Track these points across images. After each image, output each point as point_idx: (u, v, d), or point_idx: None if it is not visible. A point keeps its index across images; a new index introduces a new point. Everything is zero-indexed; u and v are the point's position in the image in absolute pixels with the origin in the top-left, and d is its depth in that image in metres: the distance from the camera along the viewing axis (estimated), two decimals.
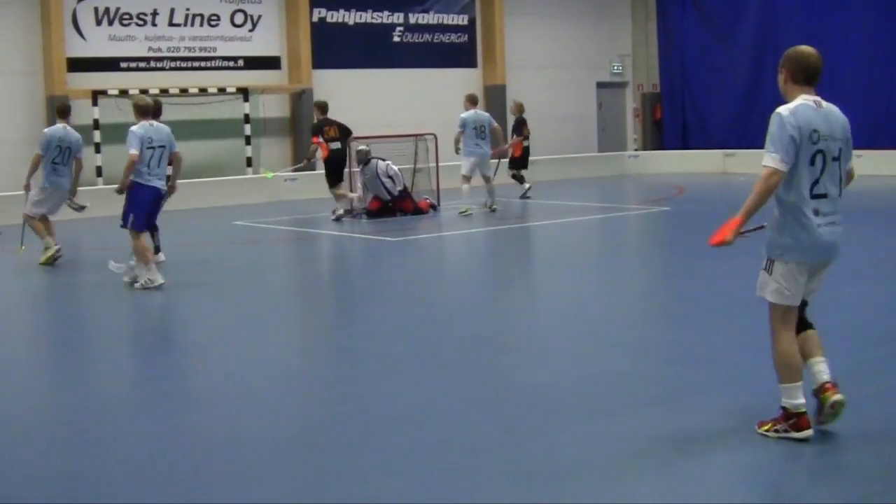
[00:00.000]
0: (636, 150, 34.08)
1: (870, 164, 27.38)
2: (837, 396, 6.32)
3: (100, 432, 7.32)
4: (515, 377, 8.52)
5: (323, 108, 20.99)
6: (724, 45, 32.26)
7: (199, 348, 10.33)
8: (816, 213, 6.27)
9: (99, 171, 24.60)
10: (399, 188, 20.96)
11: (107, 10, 25.48)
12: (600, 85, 34.01)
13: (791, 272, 6.34)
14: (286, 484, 6.12)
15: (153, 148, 12.99)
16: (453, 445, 6.66)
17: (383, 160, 21.03)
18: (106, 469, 6.51)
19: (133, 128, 12.98)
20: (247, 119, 26.41)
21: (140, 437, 7.08)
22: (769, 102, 30.12)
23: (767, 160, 6.18)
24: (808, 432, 6.28)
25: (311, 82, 27.94)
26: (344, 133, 20.56)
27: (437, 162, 22.80)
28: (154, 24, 26.17)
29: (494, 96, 30.86)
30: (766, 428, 6.41)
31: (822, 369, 6.44)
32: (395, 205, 20.86)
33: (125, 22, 25.75)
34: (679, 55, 33.59)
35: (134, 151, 12.80)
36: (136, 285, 13.10)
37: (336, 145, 20.33)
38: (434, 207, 21.57)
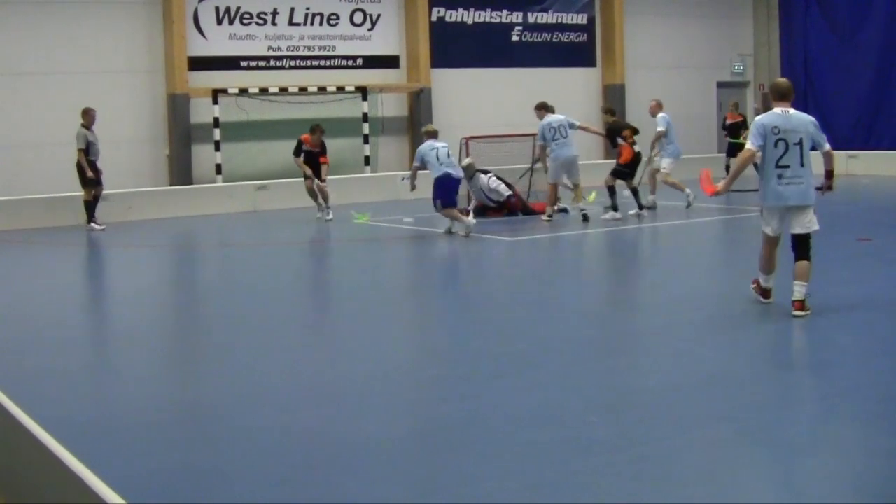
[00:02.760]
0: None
1: None
2: (795, 313, 10.06)
3: (214, 429, 7.32)
4: (630, 378, 8.47)
5: (612, 111, 21.27)
6: (849, 44, 31.48)
7: (315, 348, 10.34)
8: (780, 177, 10.12)
9: (218, 169, 24.86)
10: (501, 199, 20.68)
11: (227, 10, 25.77)
12: (721, 85, 33.52)
13: (768, 212, 10.40)
14: (398, 484, 6.08)
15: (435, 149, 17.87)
16: (568, 446, 6.58)
17: (485, 173, 20.66)
18: (221, 466, 6.50)
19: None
20: (365, 118, 26.51)
21: (253, 435, 7.06)
22: None
23: (747, 144, 10.26)
24: (769, 300, 10.64)
25: (430, 81, 27.95)
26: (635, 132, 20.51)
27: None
28: (274, 24, 26.40)
29: (613, 96, 30.58)
30: (753, 286, 10.86)
31: (797, 290, 10.11)
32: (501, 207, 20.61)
33: (245, 21, 26.01)
34: (802, 55, 32.88)
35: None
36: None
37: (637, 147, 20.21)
38: (565, 211, 20.86)
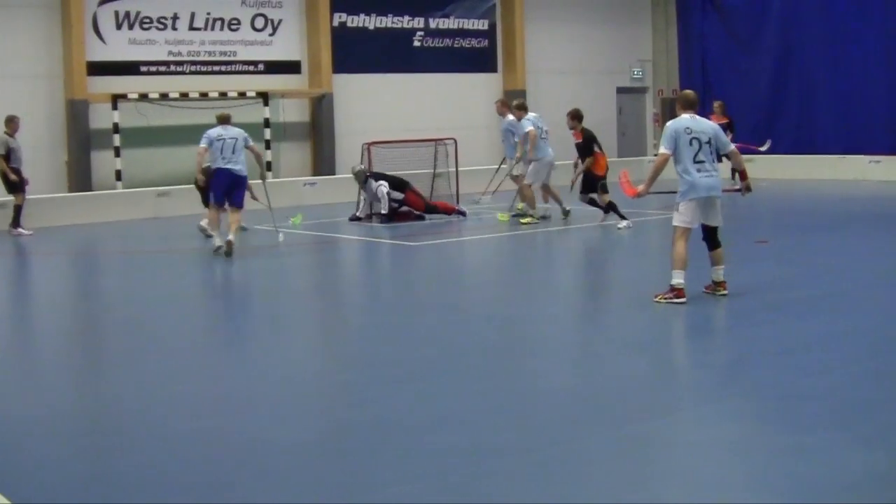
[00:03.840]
0: (656, 154, 33.75)
1: (892, 170, 27.27)
2: (725, 291, 11.55)
3: (122, 436, 7.31)
4: (537, 382, 8.57)
5: (580, 116, 19.61)
6: (746, 50, 32.08)
7: (221, 352, 10.34)
8: (699, 171, 11.31)
9: (118, 175, 24.60)
10: (385, 210, 20.61)
11: (127, 14, 25.47)
12: (620, 90, 33.90)
13: (688, 207, 11.37)
14: (307, 489, 6.13)
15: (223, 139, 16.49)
16: (475, 450, 6.68)
17: (376, 181, 20.68)
18: (126, 473, 6.50)
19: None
20: (267, 123, 26.41)
21: (160, 441, 7.07)
22: (794, 106, 30.42)
23: (660, 150, 11.57)
24: (683, 300, 11.16)
25: (332, 87, 27.91)
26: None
27: (456, 167, 22.76)
28: (174, 29, 26.14)
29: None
30: (658, 297, 11.32)
31: (719, 273, 11.59)
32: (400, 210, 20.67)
33: (145, 26, 25.74)
34: (699, 60, 33.41)
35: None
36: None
37: None
38: (463, 213, 21.25)
